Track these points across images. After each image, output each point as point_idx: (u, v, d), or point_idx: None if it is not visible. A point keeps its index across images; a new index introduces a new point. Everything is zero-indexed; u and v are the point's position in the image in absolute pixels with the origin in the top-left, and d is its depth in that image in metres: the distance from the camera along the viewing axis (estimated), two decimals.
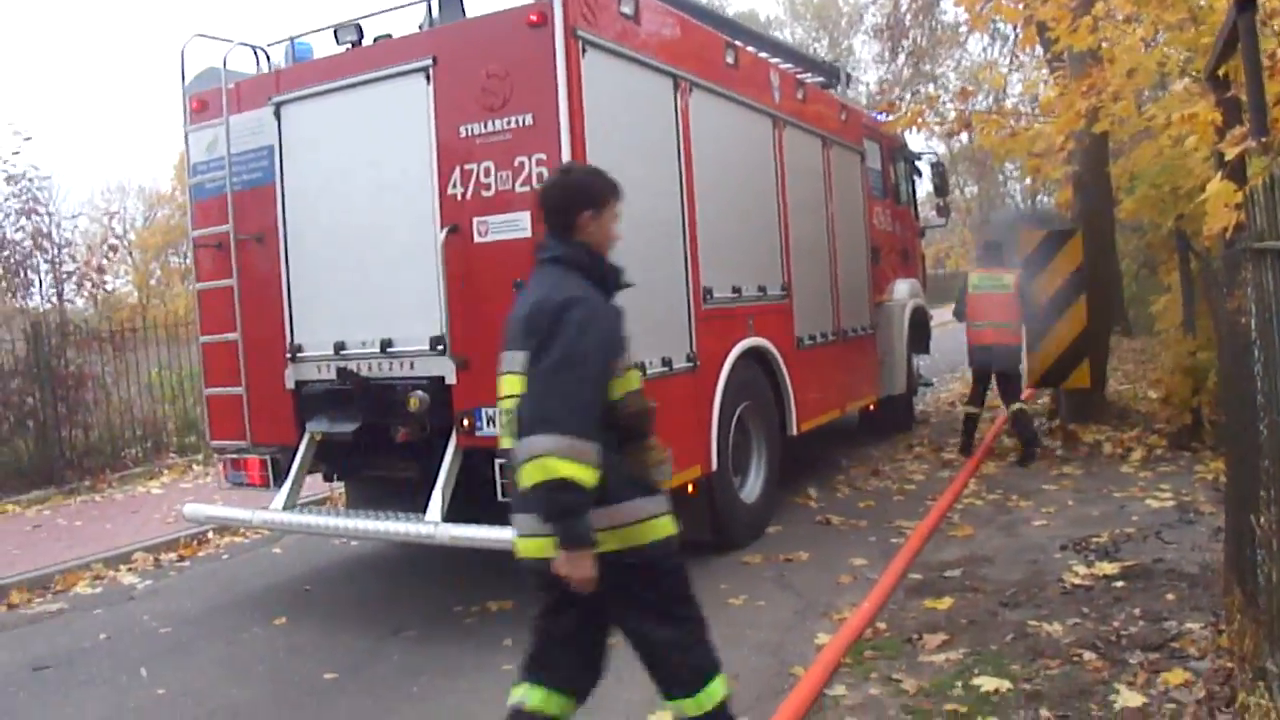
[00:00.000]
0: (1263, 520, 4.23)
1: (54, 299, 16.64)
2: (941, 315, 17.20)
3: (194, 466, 15.54)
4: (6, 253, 15.94)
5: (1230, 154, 5.18)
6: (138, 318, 17.79)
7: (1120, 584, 7.00)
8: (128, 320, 18.11)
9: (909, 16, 29.13)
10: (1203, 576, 6.94)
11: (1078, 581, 7.13)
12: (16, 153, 15.68)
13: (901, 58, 31.18)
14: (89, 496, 13.91)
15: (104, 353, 16.10)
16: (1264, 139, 4.66)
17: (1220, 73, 5.84)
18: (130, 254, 49.25)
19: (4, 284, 16.18)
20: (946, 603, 6.92)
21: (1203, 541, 7.82)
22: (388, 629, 7.40)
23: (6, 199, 15.79)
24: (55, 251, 16.51)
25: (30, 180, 15.86)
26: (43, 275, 16.35)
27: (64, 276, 16.67)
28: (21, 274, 16.11)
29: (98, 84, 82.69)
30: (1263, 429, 4.21)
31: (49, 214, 16.41)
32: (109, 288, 20.66)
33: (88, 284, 17.43)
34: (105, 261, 18.38)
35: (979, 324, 12.08)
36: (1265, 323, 3.99)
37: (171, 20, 79.77)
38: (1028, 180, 66.91)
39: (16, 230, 15.95)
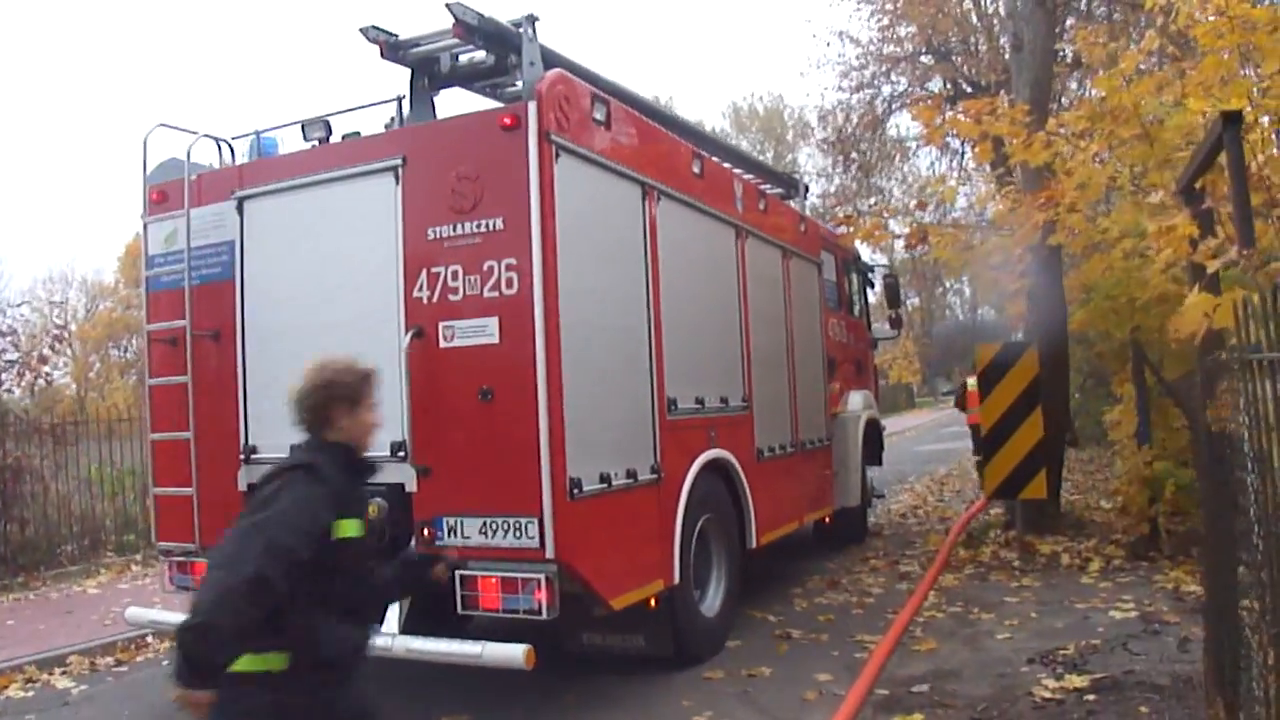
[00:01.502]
0: (1261, 637, 4.15)
1: None
2: (889, 426, 17.25)
3: (132, 566, 15.14)
4: None
5: (1212, 267, 5.16)
6: (76, 411, 17.44)
7: (1092, 697, 6.87)
8: (66, 413, 17.82)
9: (858, 130, 29.46)
10: (1174, 688, 6.84)
11: (1048, 695, 6.99)
12: None
13: (852, 170, 31.47)
14: (21, 594, 13.51)
15: (43, 445, 15.75)
16: (1249, 250, 4.62)
17: (1198, 185, 5.84)
18: (70, 346, 48.81)
19: None
20: (918, 718, 6.76)
21: (1171, 652, 7.73)
22: None
23: None
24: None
25: None
26: None
27: (4, 366, 16.30)
28: None
29: (43, 173, 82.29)
30: (1257, 540, 4.14)
31: None
32: (49, 379, 20.35)
33: (29, 374, 17.06)
34: (49, 352, 17.99)
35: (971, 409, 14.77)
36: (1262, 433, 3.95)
37: (124, 109, 79.50)
38: (969, 293, 68.06)
39: None
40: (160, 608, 8.79)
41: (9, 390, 17.12)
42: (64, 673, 9.58)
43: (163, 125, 8.22)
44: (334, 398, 4.22)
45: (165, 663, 9.88)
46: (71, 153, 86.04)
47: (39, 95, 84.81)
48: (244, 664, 3.78)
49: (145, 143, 8.31)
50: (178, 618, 7.88)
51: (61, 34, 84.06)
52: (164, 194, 8.30)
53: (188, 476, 7.97)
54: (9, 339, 16.67)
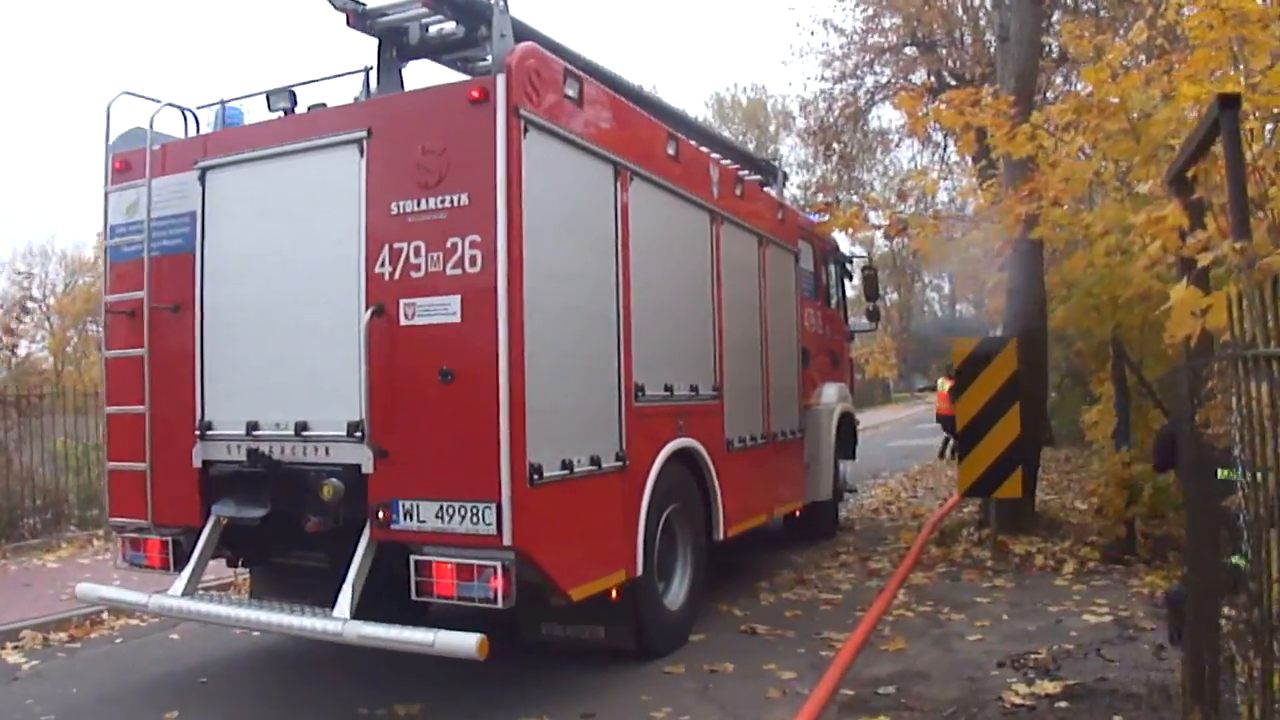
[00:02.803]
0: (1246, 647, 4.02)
1: None
2: (864, 421, 17.12)
3: (95, 541, 14.91)
4: None
5: (1203, 260, 4.99)
6: (52, 384, 17.25)
7: (1063, 704, 6.72)
8: (39, 386, 17.60)
9: (840, 121, 29.33)
10: (1149, 697, 6.68)
11: (1019, 701, 6.83)
12: None
13: (832, 161, 31.35)
14: None
15: (7, 417, 15.53)
16: (1244, 243, 4.45)
17: (1188, 175, 5.68)
18: (48, 319, 48.44)
19: None
20: None
21: (1145, 660, 7.60)
22: None
23: None
24: None
25: None
26: None
27: None
28: None
29: (25, 145, 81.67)
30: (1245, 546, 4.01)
31: None
32: (20, 351, 20.14)
33: None
34: (16, 324, 17.74)
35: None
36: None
37: (99, 79, 78.78)
38: (947, 288, 68.16)
39: None
40: (115, 585, 8.61)
41: None
42: (16, 647, 9.40)
43: (127, 93, 8.01)
44: None
45: (119, 640, 9.73)
46: (54, 125, 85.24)
47: (18, 66, 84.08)
48: None
49: (109, 110, 8.08)
50: (128, 595, 7.84)
51: (43, 4, 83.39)
52: (126, 163, 8.08)
53: (142, 451, 7.75)
54: None
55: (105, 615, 10.26)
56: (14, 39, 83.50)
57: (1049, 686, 7.05)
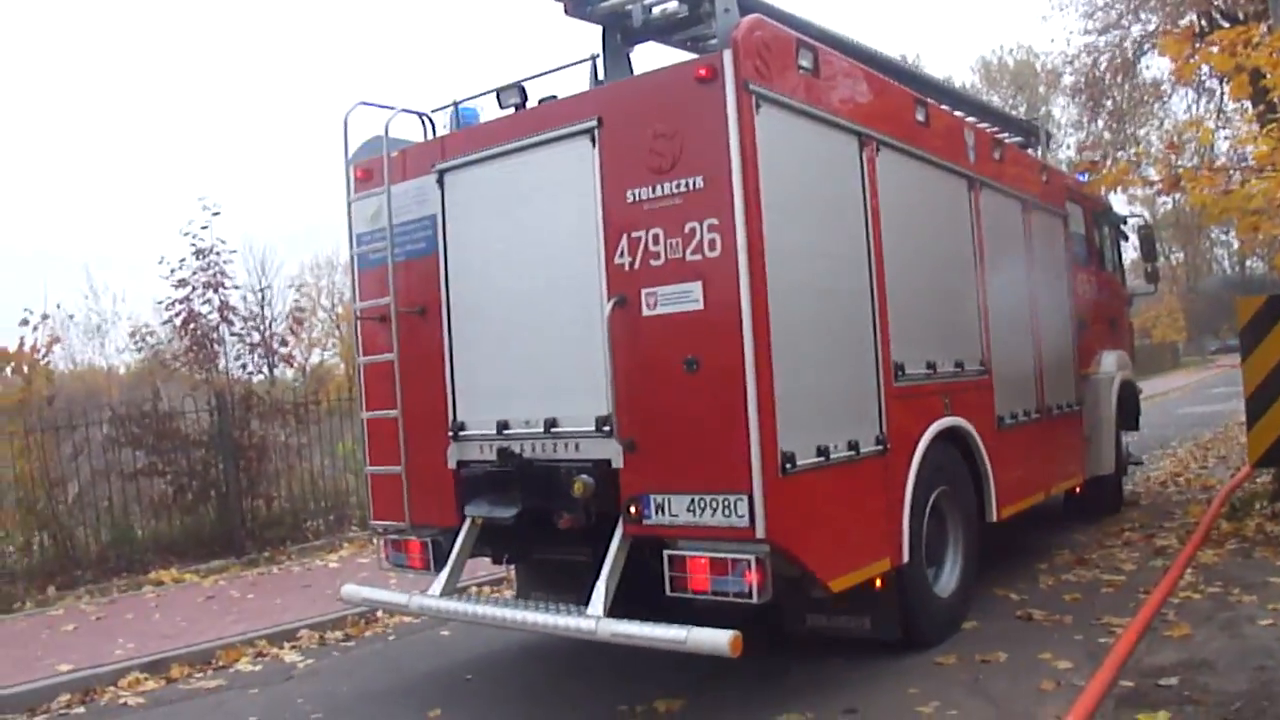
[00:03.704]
0: None
1: (239, 370, 16.70)
2: (1150, 388, 16.26)
3: (375, 541, 15.30)
4: (194, 325, 16.01)
5: None
6: (348, 389, 17.88)
7: None
8: (317, 393, 18.30)
9: (1108, 75, 28.13)
10: None
11: None
12: (205, 226, 15.81)
13: (1101, 119, 30.09)
14: (266, 568, 13.89)
15: (287, 424, 16.13)
16: None
17: None
18: (338, 327, 50.44)
19: (191, 355, 16.25)
20: (1163, 717, 6.08)
21: None
22: None
23: (195, 272, 15.88)
24: (241, 324, 16.61)
25: (218, 254, 15.96)
26: (228, 347, 16.44)
27: (248, 349, 16.71)
28: (208, 346, 16.18)
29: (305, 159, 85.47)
30: None
31: (235, 287, 16.56)
32: (295, 359, 20.90)
33: (272, 356, 17.46)
34: (290, 335, 18.42)
35: None
36: None
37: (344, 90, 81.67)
38: (1236, 245, 65.03)
39: (203, 303, 16.03)
40: (390, 585, 8.82)
41: (259, 373, 17.48)
42: (293, 646, 9.77)
43: (363, 103, 8.12)
44: None
45: (391, 637, 9.91)
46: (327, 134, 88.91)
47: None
48: None
49: (346, 121, 8.20)
50: (390, 596, 7.94)
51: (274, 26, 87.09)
52: (368, 172, 8.19)
53: (397, 454, 7.84)
54: (251, 323, 17.04)
55: (380, 614, 10.49)
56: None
57: None
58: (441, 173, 7.67)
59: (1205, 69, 12.89)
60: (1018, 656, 7.58)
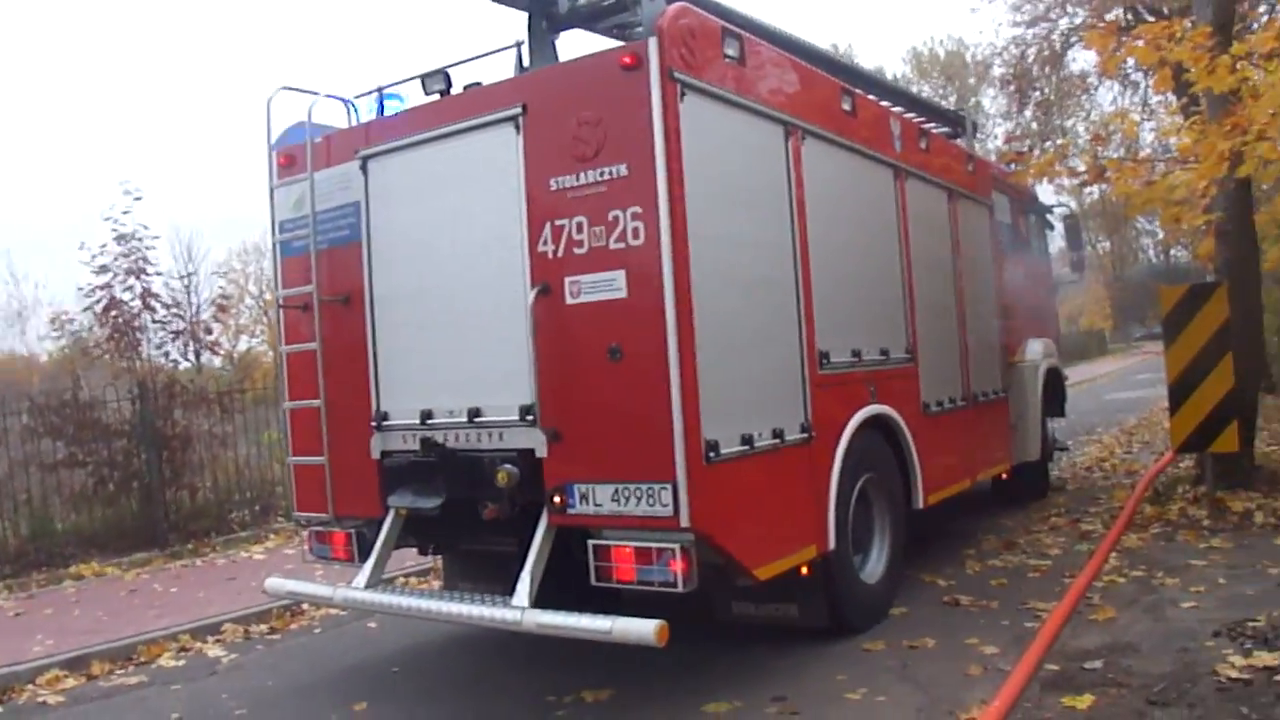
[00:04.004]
0: None
1: (163, 358, 16.51)
2: (1077, 374, 16.44)
3: (301, 532, 15.17)
4: (115, 312, 15.78)
5: None
6: (268, 377, 17.73)
7: None
8: (242, 382, 18.11)
9: (1036, 67, 28.44)
10: None
11: (1234, 675, 6.32)
12: (127, 211, 15.60)
13: (1029, 110, 30.41)
14: (190, 561, 13.75)
15: (212, 413, 15.94)
16: None
17: None
18: (266, 314, 49.98)
19: (113, 343, 16.01)
20: (1087, 700, 6.16)
21: None
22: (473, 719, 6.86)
23: (116, 258, 15.66)
24: (165, 311, 16.39)
25: (140, 240, 15.74)
26: (151, 335, 16.22)
27: (172, 336, 16.52)
28: (129, 333, 15.95)
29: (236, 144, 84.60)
30: None
31: (158, 273, 16.35)
32: (222, 347, 20.72)
33: (197, 343, 17.28)
34: (215, 323, 18.24)
35: None
36: None
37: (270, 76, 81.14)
38: (1161, 234, 65.92)
39: (125, 290, 15.81)
40: (316, 577, 8.80)
41: (187, 361, 17.30)
42: (217, 641, 9.67)
43: (286, 88, 7.99)
44: None
45: (317, 630, 9.82)
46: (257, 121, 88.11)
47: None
48: None
49: (269, 106, 8.06)
50: (314, 589, 7.85)
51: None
52: (290, 158, 8.07)
53: (320, 445, 7.76)
54: (174, 311, 16.83)
55: (305, 607, 10.38)
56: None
57: (1268, 658, 6.52)
58: (365, 159, 7.58)
59: (1130, 62, 13.03)
60: (945, 642, 7.63)
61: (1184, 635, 7.27)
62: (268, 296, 50.93)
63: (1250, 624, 7.30)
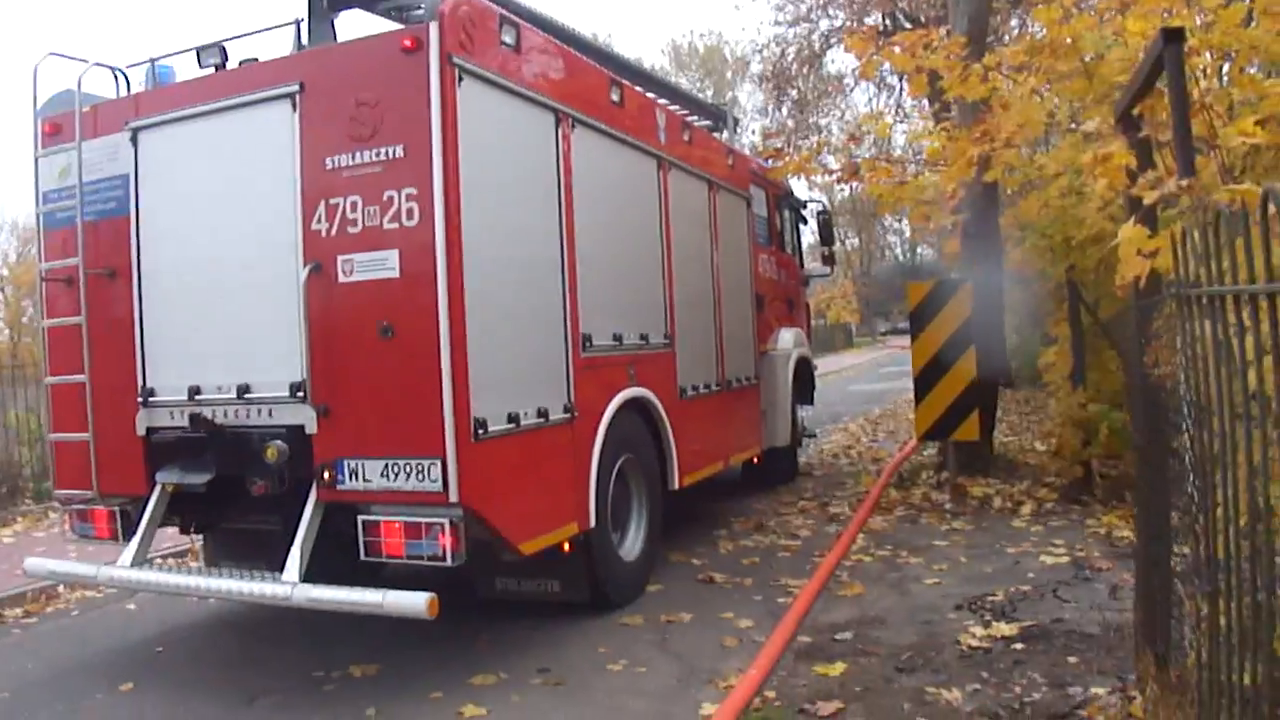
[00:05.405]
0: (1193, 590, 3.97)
1: None
2: (825, 365, 17.06)
3: (51, 514, 14.71)
4: None
5: (1149, 198, 4.89)
6: (10, 355, 17.01)
7: (1019, 646, 6.72)
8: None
9: (795, 66, 29.18)
10: (1105, 637, 6.70)
11: (975, 644, 6.83)
12: None
13: (786, 108, 31.21)
14: None
15: None
16: (1190, 180, 4.36)
17: (1134, 112, 5.58)
18: (2, 290, 47.89)
19: None
20: (839, 668, 6.56)
21: (1101, 600, 7.60)
22: (242, 697, 6.85)
23: None
24: None
25: None
26: None
27: None
28: None
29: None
30: (1191, 489, 3.94)
31: None
32: None
33: None
34: None
35: None
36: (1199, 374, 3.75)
37: (35, 39, 77.77)
38: (908, 233, 68.24)
39: None
40: (70, 558, 8.56)
41: None
42: None
43: (54, 54, 7.80)
44: None
45: (75, 613, 9.61)
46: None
47: None
48: None
49: (35, 72, 7.87)
50: (78, 568, 7.72)
51: None
52: (57, 126, 7.87)
53: (84, 421, 7.62)
54: None
55: (61, 589, 10.11)
56: None
57: (1005, 628, 7.06)
58: (135, 131, 7.46)
59: (887, 66, 13.56)
60: (701, 616, 7.95)
61: (928, 609, 7.78)
62: (4, 272, 48.89)
63: (989, 598, 7.87)
